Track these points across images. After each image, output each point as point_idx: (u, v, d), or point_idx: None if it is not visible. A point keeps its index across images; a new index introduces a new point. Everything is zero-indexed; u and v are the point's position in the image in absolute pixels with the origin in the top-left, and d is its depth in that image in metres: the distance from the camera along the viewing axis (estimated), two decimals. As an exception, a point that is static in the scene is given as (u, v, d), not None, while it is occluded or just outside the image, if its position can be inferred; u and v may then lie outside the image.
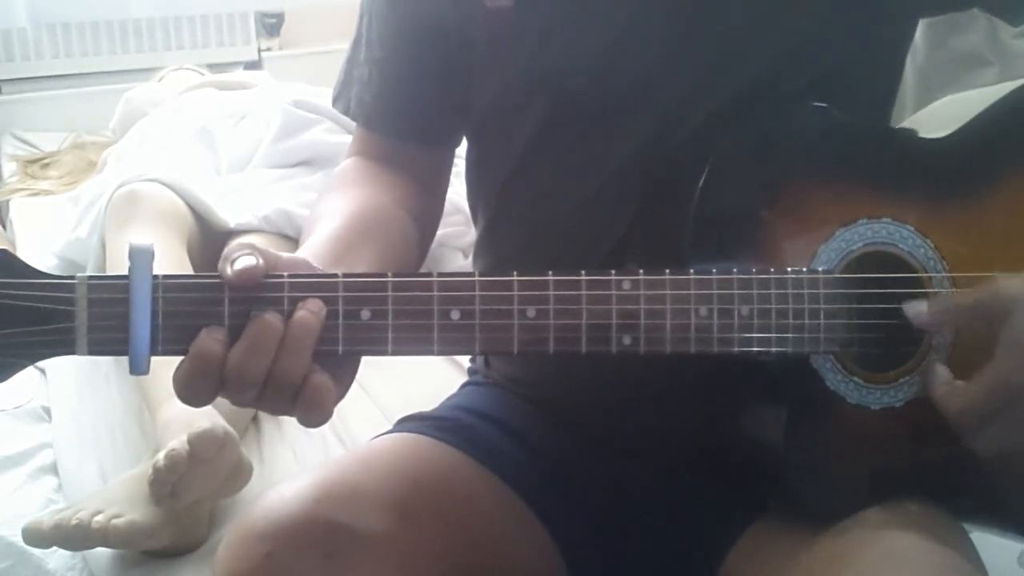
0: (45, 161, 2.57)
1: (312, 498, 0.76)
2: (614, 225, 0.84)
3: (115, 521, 1.15)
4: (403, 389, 1.42)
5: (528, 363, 0.95)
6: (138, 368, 0.64)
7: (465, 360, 1.15)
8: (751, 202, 0.76)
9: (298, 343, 0.64)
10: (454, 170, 0.99)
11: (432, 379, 1.27)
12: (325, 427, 1.29)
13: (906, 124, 1.02)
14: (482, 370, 1.02)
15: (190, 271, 1.55)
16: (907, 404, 0.75)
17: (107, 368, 1.60)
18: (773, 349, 0.72)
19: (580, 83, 0.84)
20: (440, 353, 0.68)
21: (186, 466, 1.16)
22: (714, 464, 0.84)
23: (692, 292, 0.70)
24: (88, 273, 0.91)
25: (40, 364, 0.70)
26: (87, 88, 2.87)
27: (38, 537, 1.16)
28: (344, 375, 0.68)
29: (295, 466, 1.37)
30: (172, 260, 1.60)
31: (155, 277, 0.64)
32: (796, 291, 0.72)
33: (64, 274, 0.64)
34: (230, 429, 1.22)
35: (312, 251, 0.74)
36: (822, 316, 0.72)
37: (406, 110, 0.92)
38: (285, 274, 0.65)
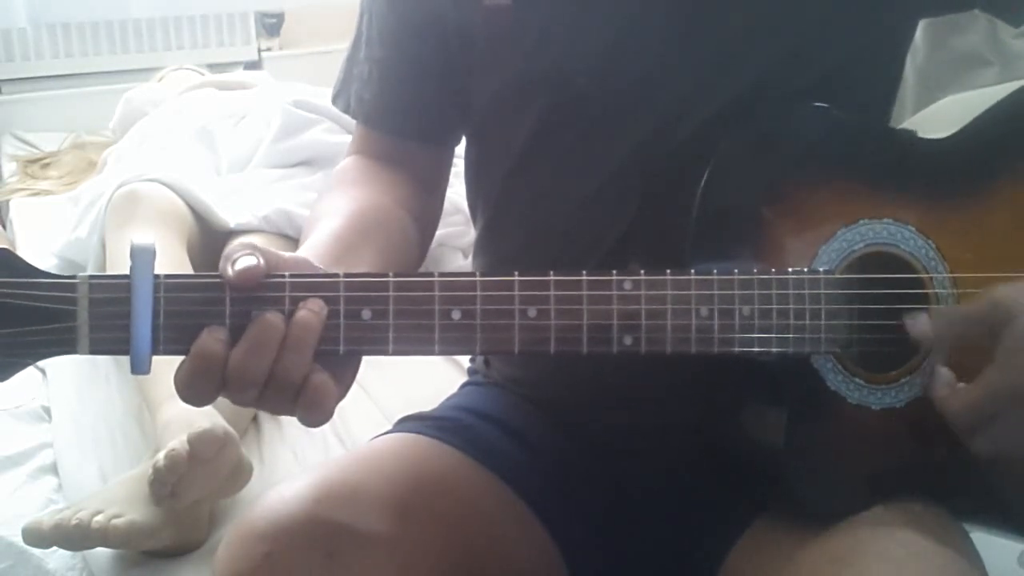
0: (45, 161, 2.57)
1: (312, 498, 0.76)
2: (614, 225, 0.84)
3: (115, 521, 1.15)
4: (403, 389, 1.42)
5: (528, 363, 0.95)
6: (139, 368, 0.64)
7: (465, 360, 1.15)
8: (752, 202, 0.76)
9: (299, 343, 0.64)
10: (454, 170, 0.99)
11: (432, 379, 1.27)
12: (325, 427, 1.30)
13: (907, 124, 1.01)
14: (482, 370, 1.02)
15: (190, 271, 1.55)
16: (908, 405, 0.75)
17: (107, 368, 1.60)
18: (774, 349, 0.72)
19: (580, 83, 0.84)
20: (441, 353, 0.68)
21: (186, 466, 1.16)
22: (714, 464, 0.84)
23: (693, 292, 0.70)
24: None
25: (40, 364, 0.70)
26: (87, 88, 2.86)
27: (38, 537, 1.16)
28: (345, 375, 0.68)
29: (295, 466, 1.37)
30: (172, 260, 1.60)
31: (156, 276, 0.64)
32: (797, 291, 0.72)
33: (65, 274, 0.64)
34: (230, 429, 1.22)
35: (313, 251, 0.74)
36: (823, 316, 0.72)
37: (406, 108, 0.92)
38: (286, 274, 0.65)
